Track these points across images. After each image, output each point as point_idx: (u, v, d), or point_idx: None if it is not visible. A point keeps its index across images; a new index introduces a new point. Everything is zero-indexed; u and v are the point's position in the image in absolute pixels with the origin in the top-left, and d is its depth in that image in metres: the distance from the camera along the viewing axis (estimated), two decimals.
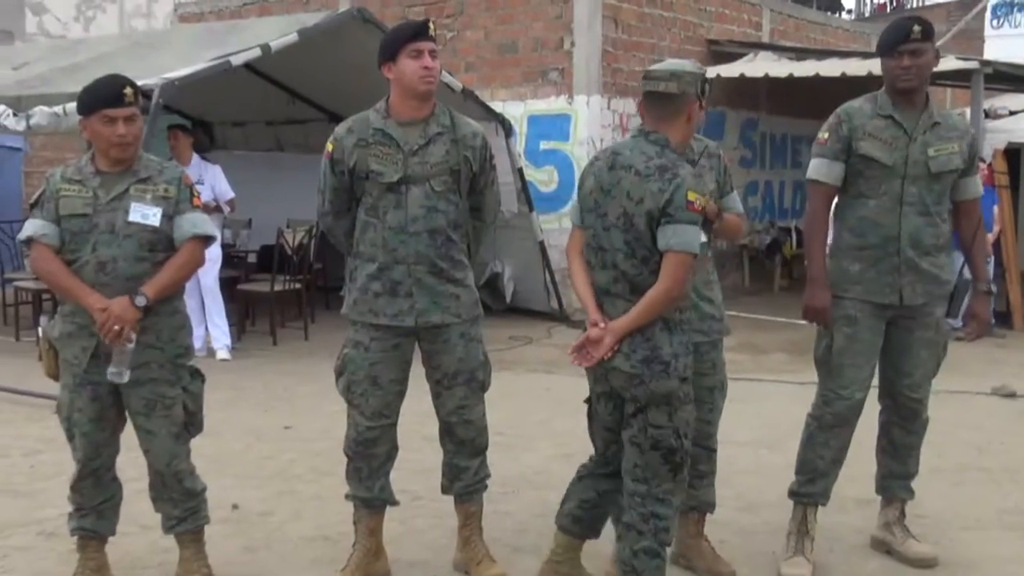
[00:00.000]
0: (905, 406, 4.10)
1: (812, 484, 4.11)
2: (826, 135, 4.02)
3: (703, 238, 3.38)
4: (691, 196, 3.24)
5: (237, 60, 8.13)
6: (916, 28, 3.89)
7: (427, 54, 3.63)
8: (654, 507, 3.35)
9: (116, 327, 3.41)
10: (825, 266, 4.04)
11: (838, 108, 4.07)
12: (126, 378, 3.48)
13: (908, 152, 3.91)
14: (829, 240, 4.11)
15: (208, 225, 3.70)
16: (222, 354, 8.36)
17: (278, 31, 8.67)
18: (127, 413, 3.64)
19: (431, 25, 3.69)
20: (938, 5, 25.06)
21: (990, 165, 10.49)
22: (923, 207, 3.94)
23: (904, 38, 3.89)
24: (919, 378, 4.07)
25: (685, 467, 3.37)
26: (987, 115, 11.32)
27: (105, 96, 3.50)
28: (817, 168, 4.05)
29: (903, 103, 3.96)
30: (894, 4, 27.98)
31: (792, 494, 4.15)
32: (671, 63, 3.47)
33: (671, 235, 3.24)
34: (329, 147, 3.78)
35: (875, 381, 4.11)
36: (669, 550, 3.46)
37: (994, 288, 4.17)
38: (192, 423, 3.69)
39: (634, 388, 3.31)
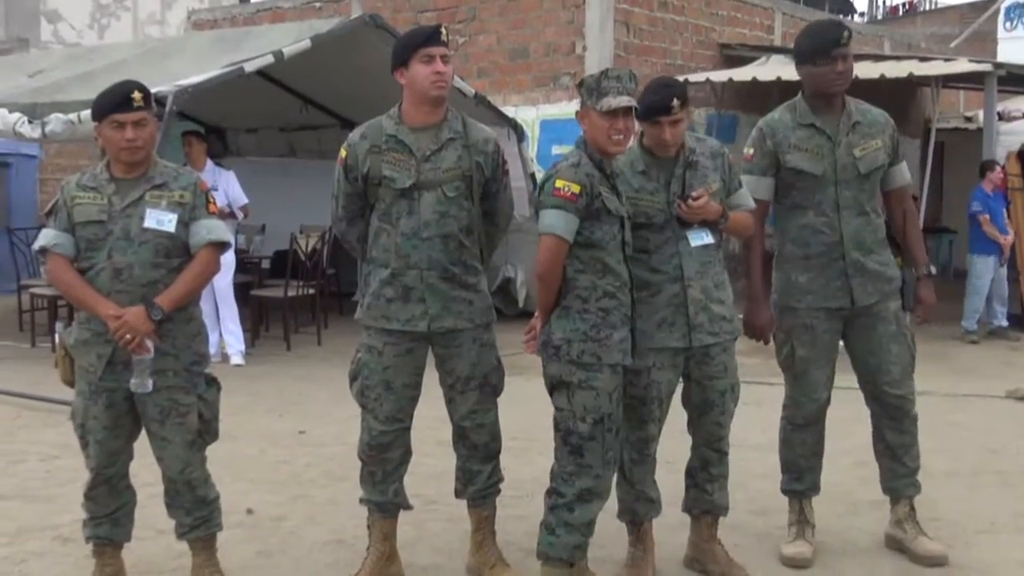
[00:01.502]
0: (891, 405, 4.11)
1: (799, 481, 4.22)
2: (751, 151, 4.08)
3: (621, 228, 3.55)
4: (559, 183, 3.47)
5: (250, 67, 8.17)
6: (846, 33, 3.93)
7: (439, 59, 3.65)
8: (556, 483, 3.57)
9: (129, 336, 3.43)
10: (762, 282, 4.09)
11: (760, 122, 4.12)
12: (150, 387, 3.49)
13: (835, 158, 3.96)
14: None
15: (224, 231, 3.71)
16: (236, 359, 8.39)
17: (291, 37, 8.71)
18: (142, 420, 3.65)
19: (443, 31, 3.70)
20: (951, 7, 25.00)
21: (1003, 168, 10.46)
22: (859, 207, 3.99)
23: (835, 43, 3.90)
24: (897, 374, 4.08)
25: (587, 453, 3.51)
26: (1000, 117, 11.30)
27: (114, 101, 3.51)
28: (747, 184, 4.07)
29: (823, 108, 3.99)
30: (906, 7, 27.91)
31: (784, 491, 4.27)
32: None
33: (539, 219, 3.51)
34: (343, 153, 3.79)
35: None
36: (574, 536, 3.54)
37: (934, 271, 4.20)
38: (207, 431, 3.70)
39: (543, 370, 3.59)
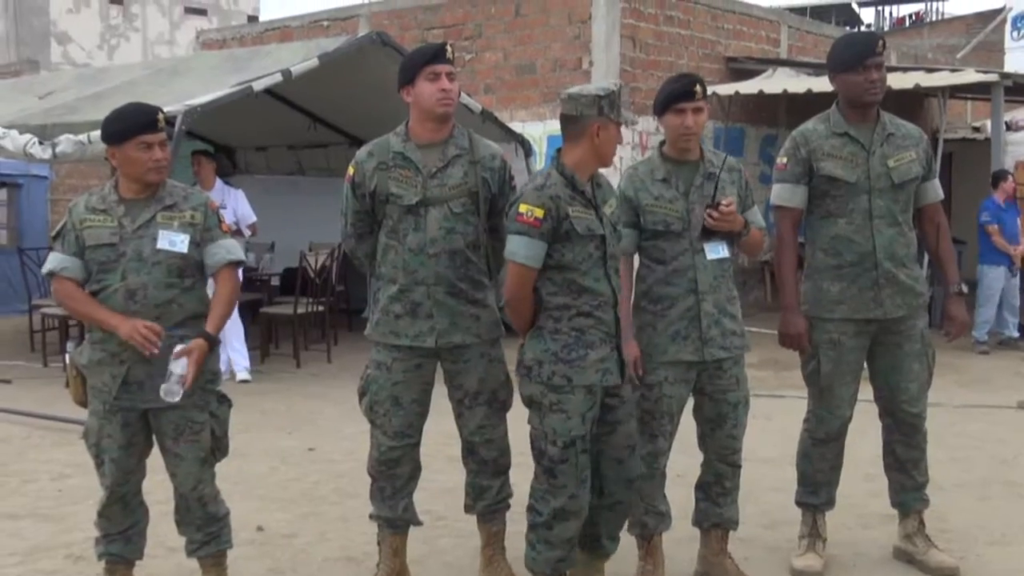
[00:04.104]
0: (905, 422, 4.11)
1: (815, 495, 4.21)
2: (785, 160, 4.07)
3: (616, 248, 3.55)
4: (522, 208, 3.42)
5: (259, 86, 8.21)
6: (880, 43, 3.94)
7: (444, 77, 3.67)
8: (533, 500, 3.56)
9: (153, 338, 3.46)
10: (797, 291, 4.07)
11: (793, 132, 4.12)
12: (179, 396, 3.47)
13: (869, 167, 3.95)
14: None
15: (240, 250, 3.78)
16: (242, 375, 8.39)
17: (299, 56, 8.75)
18: (155, 437, 3.67)
19: (448, 48, 3.73)
20: (958, 17, 25.04)
21: (1013, 177, 10.44)
22: (892, 219, 3.98)
23: (871, 52, 3.91)
24: (915, 391, 4.08)
25: (560, 474, 3.48)
26: (1008, 127, 11.29)
27: (142, 122, 3.55)
28: (780, 193, 4.09)
29: (857, 118, 4.00)
30: (913, 18, 27.95)
31: (798, 503, 4.25)
32: (581, 86, 3.59)
33: (506, 245, 3.48)
34: (350, 171, 3.82)
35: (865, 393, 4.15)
36: (554, 551, 3.54)
37: (965, 289, 4.19)
38: (218, 448, 3.72)
39: (519, 389, 3.59)
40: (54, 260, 3.63)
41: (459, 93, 3.86)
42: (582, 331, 3.47)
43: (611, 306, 3.52)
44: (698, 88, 3.69)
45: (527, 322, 3.52)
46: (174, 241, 3.57)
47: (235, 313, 8.33)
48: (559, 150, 3.55)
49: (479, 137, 3.87)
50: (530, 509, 3.57)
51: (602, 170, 3.61)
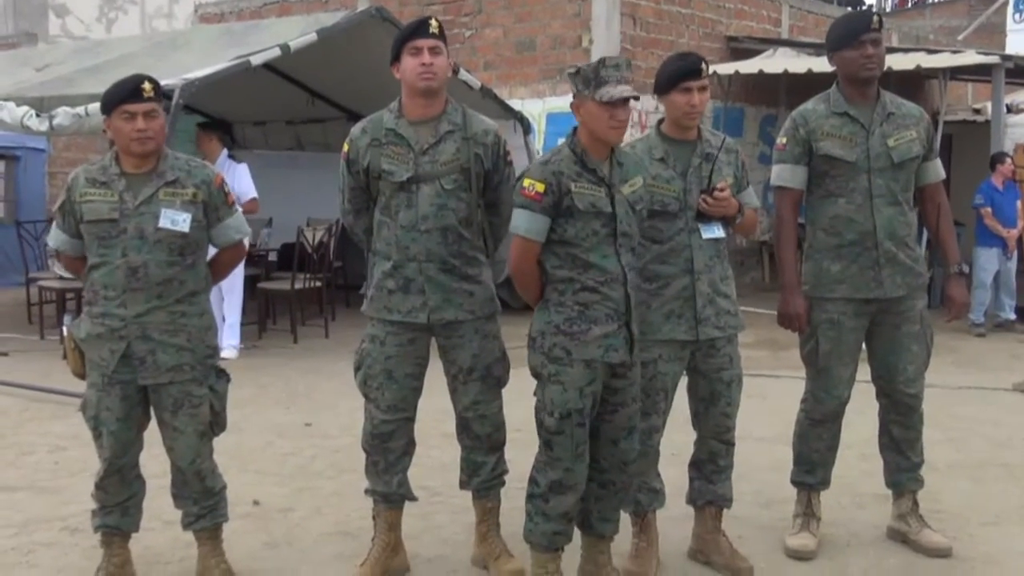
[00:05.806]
0: (902, 403, 4.12)
1: (811, 474, 4.22)
2: (784, 140, 4.07)
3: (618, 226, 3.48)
4: (525, 182, 3.45)
5: (257, 60, 8.18)
6: (876, 18, 3.94)
7: (426, 51, 3.64)
8: (534, 472, 3.58)
9: None
10: (797, 271, 4.08)
11: (793, 112, 4.12)
12: None
13: (868, 146, 3.95)
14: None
15: (246, 224, 3.85)
16: (226, 352, 8.30)
17: (297, 31, 8.71)
18: (153, 410, 3.68)
19: (433, 22, 3.70)
20: None
21: (1012, 160, 10.44)
22: (892, 198, 3.98)
23: (866, 27, 3.92)
24: (913, 373, 4.09)
25: (555, 446, 3.49)
26: (1009, 110, 11.27)
27: (124, 91, 3.53)
28: (780, 174, 4.09)
29: (857, 97, 3.99)
30: None
31: (793, 482, 4.26)
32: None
33: (511, 218, 3.51)
34: (345, 147, 3.82)
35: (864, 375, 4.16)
36: (551, 524, 3.54)
37: (965, 269, 4.20)
38: (216, 422, 3.73)
39: (527, 360, 3.57)
40: (55, 237, 3.73)
41: (450, 68, 3.82)
42: (586, 306, 3.46)
43: (620, 283, 3.49)
44: (703, 66, 3.70)
45: (535, 295, 3.54)
46: (176, 220, 3.56)
47: (238, 288, 8.27)
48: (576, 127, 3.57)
49: (473, 113, 3.85)
50: (531, 480, 3.59)
51: None
